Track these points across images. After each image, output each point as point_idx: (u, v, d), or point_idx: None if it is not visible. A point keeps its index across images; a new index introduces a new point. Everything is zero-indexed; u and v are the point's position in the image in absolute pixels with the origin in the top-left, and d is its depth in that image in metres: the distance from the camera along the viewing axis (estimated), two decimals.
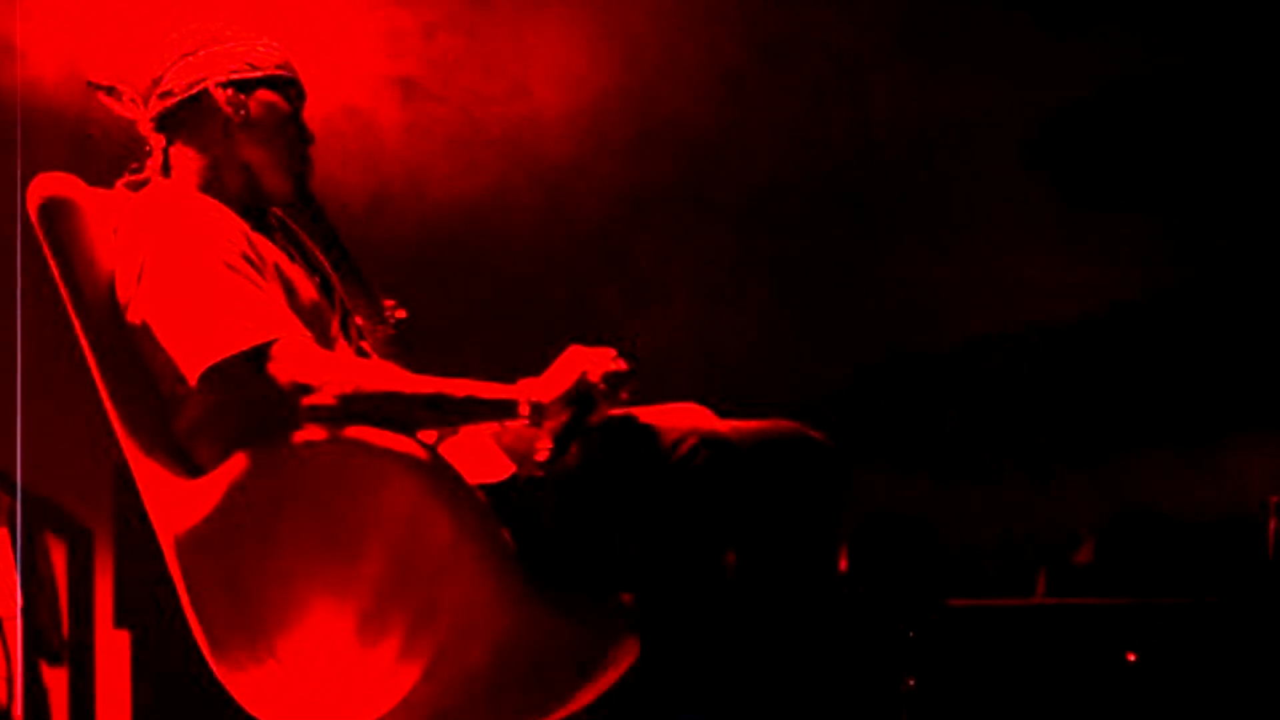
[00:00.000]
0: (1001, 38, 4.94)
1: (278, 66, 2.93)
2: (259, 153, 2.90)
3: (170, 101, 2.89)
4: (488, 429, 2.84)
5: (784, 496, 2.77)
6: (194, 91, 2.88)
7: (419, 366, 2.81)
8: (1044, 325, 4.93)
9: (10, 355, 4.28)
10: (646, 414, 2.71)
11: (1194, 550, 4.50)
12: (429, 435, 2.79)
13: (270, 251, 2.85)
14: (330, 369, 2.65)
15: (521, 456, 2.76)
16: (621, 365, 2.70)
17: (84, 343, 2.82)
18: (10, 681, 4.25)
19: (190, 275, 2.70)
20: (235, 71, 2.89)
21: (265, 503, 2.68)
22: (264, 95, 2.90)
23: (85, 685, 4.47)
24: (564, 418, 2.67)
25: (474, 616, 2.66)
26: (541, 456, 2.70)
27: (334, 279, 2.97)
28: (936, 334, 4.95)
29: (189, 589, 2.76)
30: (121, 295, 2.79)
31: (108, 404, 2.82)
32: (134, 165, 2.93)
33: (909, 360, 4.95)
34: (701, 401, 2.84)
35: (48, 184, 2.85)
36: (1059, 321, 4.93)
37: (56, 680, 4.44)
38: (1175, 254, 4.90)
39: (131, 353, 2.79)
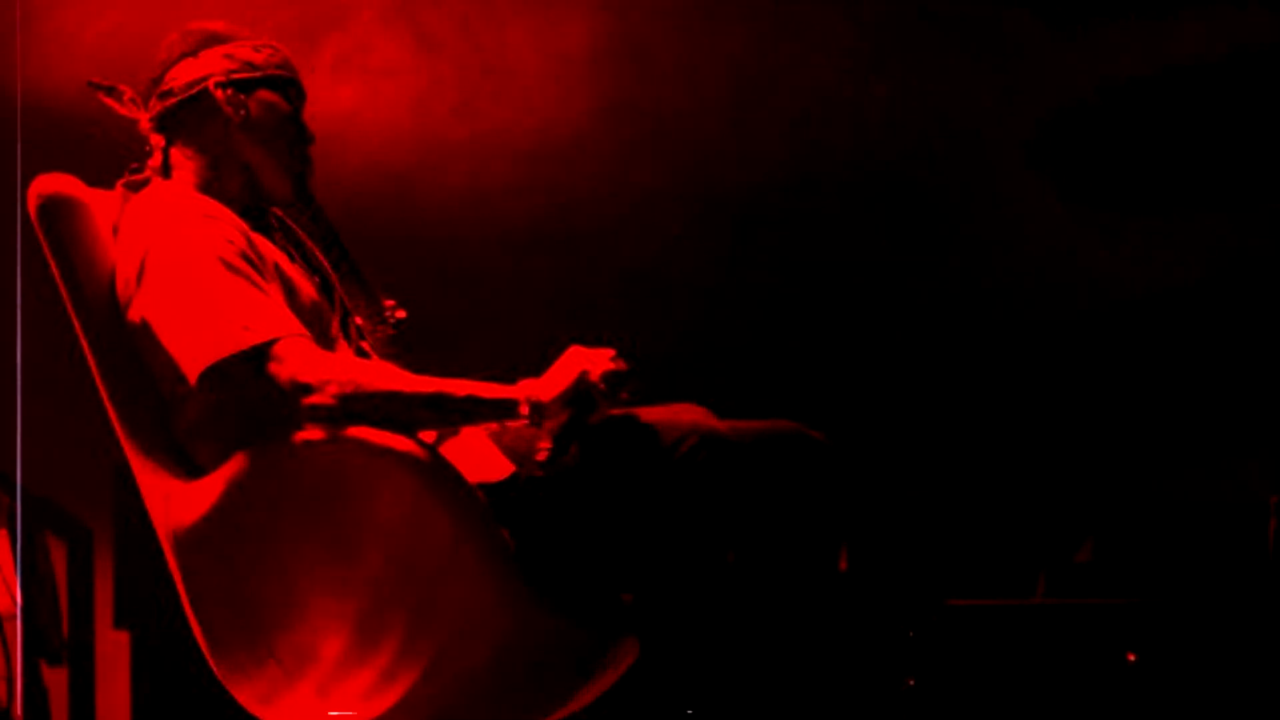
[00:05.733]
0: (1001, 37, 4.94)
1: (277, 66, 2.93)
2: (259, 153, 2.90)
3: (170, 101, 2.89)
4: (488, 429, 2.84)
5: (784, 496, 2.77)
6: (194, 92, 2.88)
7: (419, 366, 2.81)
8: (1044, 325, 4.93)
9: (10, 355, 4.28)
10: (646, 414, 2.71)
11: (1194, 550, 4.50)
12: (429, 435, 2.79)
13: (270, 251, 2.85)
14: (330, 369, 2.65)
15: (521, 456, 2.76)
16: (621, 365, 2.70)
17: (84, 343, 2.82)
18: (10, 681, 4.25)
19: (190, 275, 2.70)
20: (235, 71, 2.89)
21: (265, 503, 2.68)
22: (264, 95, 2.91)
23: (85, 685, 4.47)
24: (564, 418, 2.68)
25: (474, 617, 2.66)
26: (541, 456, 2.70)
27: (334, 279, 2.97)
28: (936, 333, 4.95)
29: (189, 589, 2.76)
30: (121, 295, 2.79)
31: (108, 404, 2.82)
32: (134, 165, 2.93)
33: (908, 360, 4.95)
34: (701, 401, 2.84)
35: (48, 184, 2.85)
36: (1059, 321, 4.93)
37: (56, 680, 4.44)
38: (1176, 253, 4.90)
39: (131, 353, 2.79)
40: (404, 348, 2.95)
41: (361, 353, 2.94)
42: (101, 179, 2.92)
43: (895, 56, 4.97)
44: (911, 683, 4.07)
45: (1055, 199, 4.95)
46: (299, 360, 2.65)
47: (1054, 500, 4.82)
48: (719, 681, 2.74)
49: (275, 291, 2.76)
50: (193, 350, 2.67)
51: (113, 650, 4.36)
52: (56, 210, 2.83)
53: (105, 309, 2.81)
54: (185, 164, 2.89)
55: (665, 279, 4.94)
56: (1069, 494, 4.84)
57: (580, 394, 2.67)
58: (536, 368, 2.71)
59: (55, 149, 3.92)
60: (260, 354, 2.65)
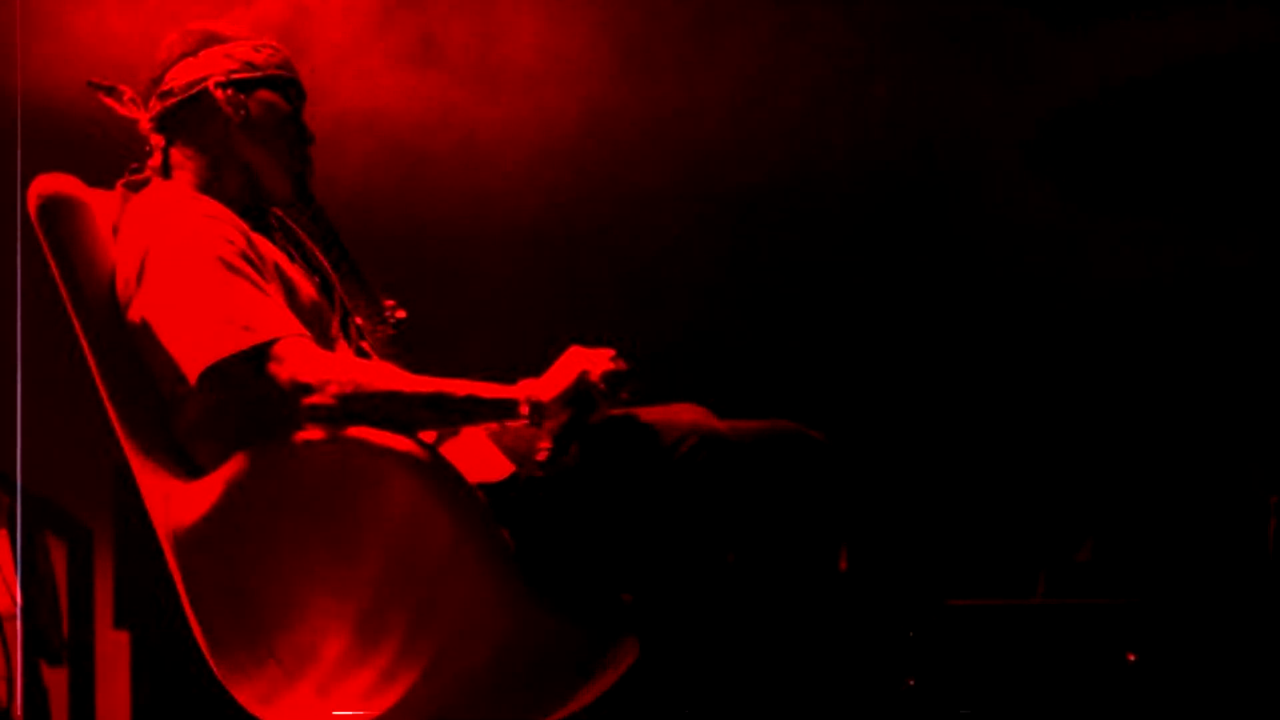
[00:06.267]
0: (1001, 38, 4.94)
1: (277, 66, 2.93)
2: (259, 153, 2.90)
3: (170, 101, 2.89)
4: (488, 429, 2.84)
5: (784, 496, 2.77)
6: (194, 91, 2.88)
7: (419, 366, 2.81)
8: (1044, 324, 4.93)
9: (10, 355, 4.28)
10: (646, 414, 2.71)
11: (1194, 550, 4.50)
12: (429, 435, 2.79)
13: (270, 251, 2.85)
14: (330, 369, 2.65)
15: (521, 456, 2.76)
16: (621, 365, 2.70)
17: (84, 343, 2.82)
18: (10, 681, 4.25)
19: (190, 275, 2.70)
20: (235, 71, 2.89)
21: (265, 503, 2.68)
22: (264, 95, 2.91)
23: (85, 685, 4.47)
24: (564, 418, 2.68)
25: (474, 617, 2.66)
26: (541, 456, 2.70)
27: (334, 279, 2.97)
28: (935, 333, 4.95)
29: (189, 589, 2.76)
30: (121, 295, 2.79)
31: (108, 404, 2.82)
32: (134, 165, 2.93)
33: (908, 360, 4.95)
34: (701, 401, 2.84)
35: (48, 184, 2.85)
36: (1058, 321, 4.93)
37: (56, 680, 4.44)
38: (1176, 253, 4.90)
39: (131, 353, 2.79)
40: (404, 348, 2.95)
41: (361, 353, 2.94)
42: (101, 179, 2.92)
43: (895, 56, 4.97)
44: (911, 683, 4.07)
45: (1055, 199, 4.94)
46: (299, 360, 2.65)
47: (1054, 500, 4.82)
48: (719, 681, 2.74)
49: (275, 291, 2.76)
50: (193, 350, 2.66)
51: (113, 650, 4.36)
52: (56, 210, 2.83)
53: (105, 309, 2.81)
54: (185, 164, 2.89)
55: (665, 279, 4.94)
56: (1069, 494, 4.84)
57: (580, 394, 2.67)
58: (536, 368, 2.71)
59: (55, 149, 3.92)
60: (260, 354, 2.65)
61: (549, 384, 2.67)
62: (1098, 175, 4.96)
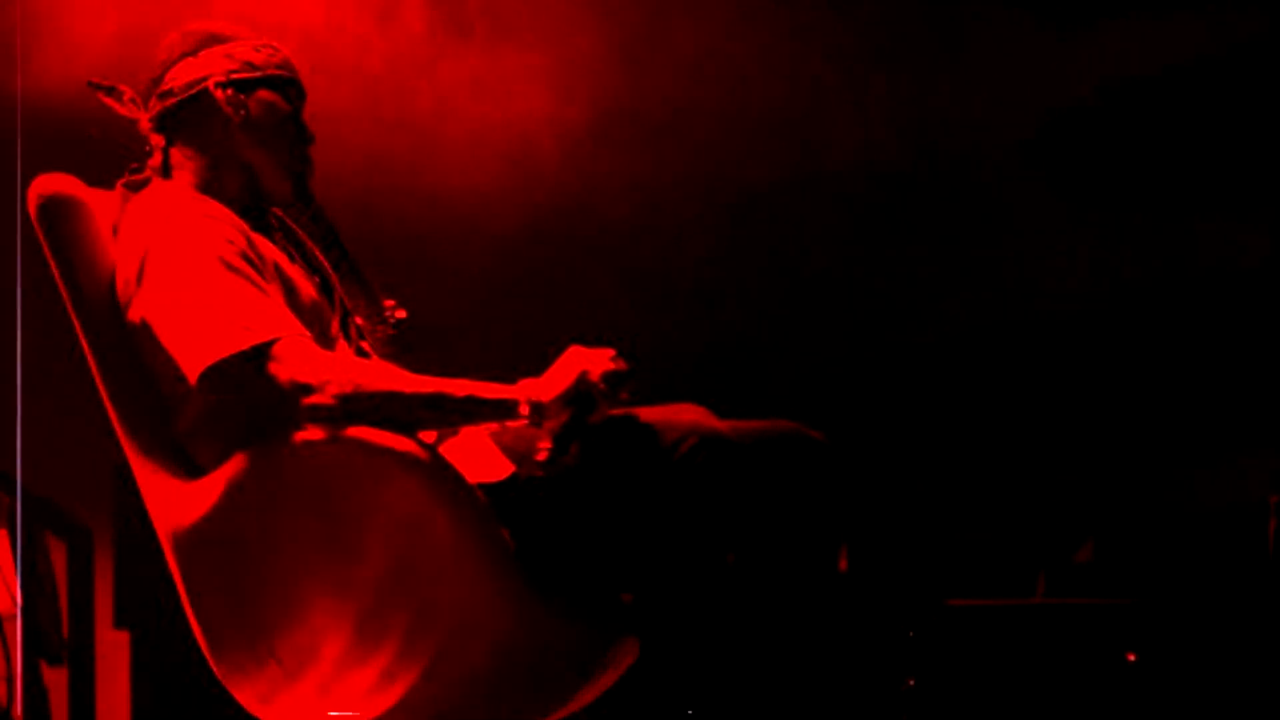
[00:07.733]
0: (1001, 38, 4.94)
1: (277, 66, 2.93)
2: (259, 153, 2.90)
3: (170, 101, 2.89)
4: (488, 429, 2.84)
5: (784, 496, 2.77)
6: (194, 91, 2.88)
7: (419, 366, 2.81)
8: (1044, 325, 4.93)
9: (10, 355, 4.28)
10: (646, 414, 2.71)
11: (1194, 550, 4.50)
12: (429, 435, 2.79)
13: (270, 251, 2.85)
14: (330, 369, 2.65)
15: (521, 456, 2.76)
16: (621, 365, 2.70)
17: (84, 343, 2.82)
18: (10, 681, 4.25)
19: (190, 275, 2.70)
20: (235, 71, 2.89)
21: (265, 503, 2.68)
22: (264, 95, 2.90)
23: (85, 685, 4.47)
24: (564, 418, 2.68)
25: (474, 617, 2.66)
26: (541, 456, 2.70)
27: (334, 279, 2.97)
28: (936, 334, 4.95)
29: (189, 589, 2.76)
30: (121, 295, 2.79)
31: (108, 404, 2.82)
32: (134, 165, 2.93)
33: (908, 360, 4.95)
34: (701, 401, 2.84)
35: (48, 184, 2.85)
36: (1059, 321, 4.93)
37: (56, 680, 4.44)
38: (1175, 253, 4.90)
39: (131, 353, 2.79)
40: (404, 348, 2.95)
41: (361, 353, 2.94)
42: (101, 179, 2.92)
43: (895, 56, 4.97)
44: (911, 683, 4.07)
45: (1054, 199, 4.94)
46: (299, 360, 2.65)
47: (1054, 500, 4.82)
48: (719, 681, 2.74)
49: (275, 291, 2.76)
50: (193, 350, 2.66)
51: (113, 650, 4.36)
52: (56, 210, 2.83)
53: (105, 309, 2.81)
54: (185, 164, 2.89)
55: (665, 278, 4.94)
56: (1069, 494, 4.84)
57: (580, 394, 2.67)
58: (536, 368, 2.71)
59: (55, 149, 3.92)
60: (260, 354, 2.65)
61: (549, 384, 2.67)
62: (1097, 175, 4.96)
